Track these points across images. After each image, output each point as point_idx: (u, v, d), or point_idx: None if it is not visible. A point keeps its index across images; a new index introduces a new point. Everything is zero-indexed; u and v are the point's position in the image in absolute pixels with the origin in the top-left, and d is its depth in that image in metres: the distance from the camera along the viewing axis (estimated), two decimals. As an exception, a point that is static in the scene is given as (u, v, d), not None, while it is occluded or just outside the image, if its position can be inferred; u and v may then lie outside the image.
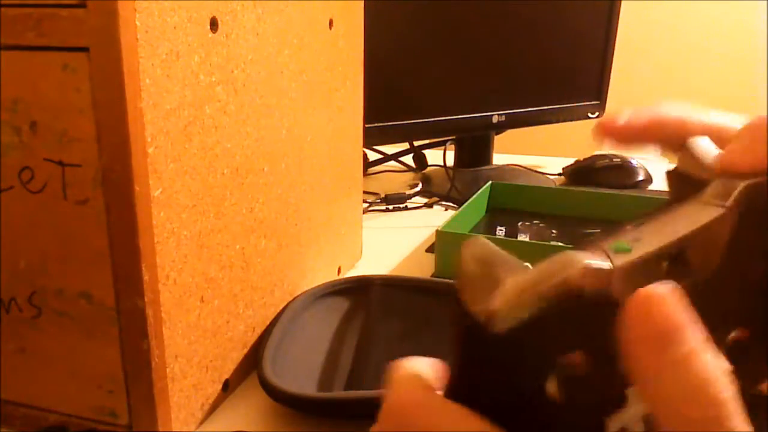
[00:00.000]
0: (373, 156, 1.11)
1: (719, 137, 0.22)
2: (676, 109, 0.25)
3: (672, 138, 0.24)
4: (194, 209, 0.39)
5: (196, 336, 0.41)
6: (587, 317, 0.16)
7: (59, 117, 0.34)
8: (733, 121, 0.24)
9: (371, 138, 0.86)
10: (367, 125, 0.70)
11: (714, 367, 0.15)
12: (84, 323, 0.38)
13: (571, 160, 1.11)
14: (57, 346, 0.39)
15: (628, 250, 0.17)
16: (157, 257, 0.36)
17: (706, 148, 0.21)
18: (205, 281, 0.41)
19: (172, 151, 0.36)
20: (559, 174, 1.11)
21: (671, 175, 0.22)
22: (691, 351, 0.16)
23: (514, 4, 0.98)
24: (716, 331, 0.17)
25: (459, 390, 0.18)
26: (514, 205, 0.86)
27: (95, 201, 0.35)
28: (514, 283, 0.16)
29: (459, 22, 0.93)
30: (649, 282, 0.16)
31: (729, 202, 0.18)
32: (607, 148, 0.25)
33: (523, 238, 0.74)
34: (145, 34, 0.33)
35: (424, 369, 0.21)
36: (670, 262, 0.18)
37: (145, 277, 0.36)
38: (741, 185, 0.19)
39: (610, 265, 0.17)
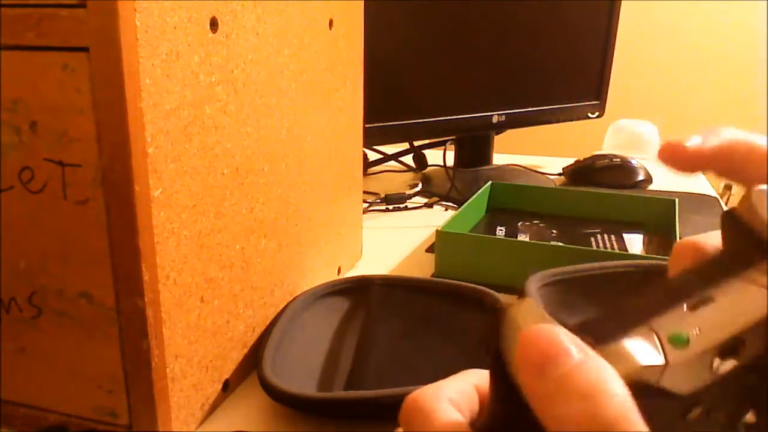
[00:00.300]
0: (373, 156, 1.11)
1: None
2: (740, 135, 0.24)
3: (736, 166, 0.23)
4: (194, 209, 0.39)
5: (196, 336, 0.41)
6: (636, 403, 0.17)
7: (59, 117, 0.34)
8: None
9: (371, 138, 0.86)
10: (367, 125, 0.70)
11: (601, 377, 0.16)
12: (84, 323, 0.38)
13: (571, 160, 1.11)
14: (57, 346, 0.39)
15: (685, 343, 0.17)
16: (157, 257, 0.36)
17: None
18: (205, 281, 0.41)
19: (172, 151, 0.36)
20: (559, 174, 1.11)
21: (727, 216, 0.21)
22: (572, 366, 0.16)
23: (514, 5, 0.98)
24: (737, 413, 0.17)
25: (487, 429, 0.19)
26: (514, 205, 0.86)
27: (95, 201, 0.35)
28: None
29: (459, 22, 0.93)
30: (701, 372, 0.17)
31: None
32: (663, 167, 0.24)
33: (523, 238, 0.74)
34: (145, 34, 0.33)
35: (464, 387, 0.22)
36: (721, 352, 0.18)
37: (145, 277, 0.36)
38: None
39: (663, 360, 0.17)
